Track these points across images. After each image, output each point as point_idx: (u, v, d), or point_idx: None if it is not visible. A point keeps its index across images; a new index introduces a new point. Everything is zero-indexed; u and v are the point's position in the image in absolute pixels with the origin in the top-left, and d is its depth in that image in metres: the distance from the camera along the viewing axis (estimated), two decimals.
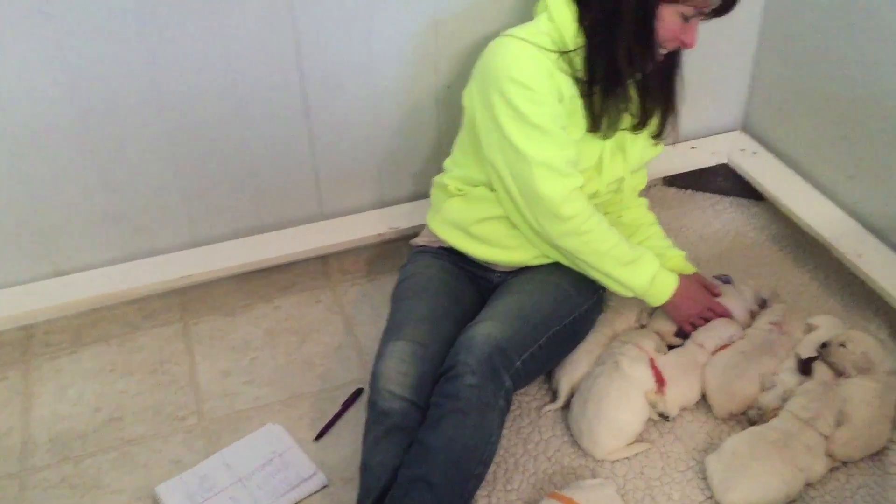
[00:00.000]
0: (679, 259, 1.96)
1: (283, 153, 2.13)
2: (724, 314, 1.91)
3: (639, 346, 1.82)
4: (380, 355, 1.71)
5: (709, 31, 2.28)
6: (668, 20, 1.63)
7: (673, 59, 1.77)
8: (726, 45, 2.35)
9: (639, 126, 1.79)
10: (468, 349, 1.63)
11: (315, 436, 1.86)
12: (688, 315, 1.88)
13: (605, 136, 1.76)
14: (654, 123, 1.80)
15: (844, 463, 1.72)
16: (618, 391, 1.73)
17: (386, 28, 2.00)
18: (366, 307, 2.20)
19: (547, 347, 1.75)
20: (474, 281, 1.91)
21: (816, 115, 2.23)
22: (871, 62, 2.01)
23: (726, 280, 1.98)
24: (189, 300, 2.23)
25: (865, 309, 2.08)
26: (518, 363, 1.67)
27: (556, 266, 1.86)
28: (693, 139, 2.49)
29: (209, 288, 2.24)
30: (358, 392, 1.95)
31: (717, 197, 2.48)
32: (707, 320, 1.90)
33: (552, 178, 1.68)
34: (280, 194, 2.20)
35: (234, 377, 2.02)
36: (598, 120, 1.73)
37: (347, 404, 1.93)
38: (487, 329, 1.67)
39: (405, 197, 2.29)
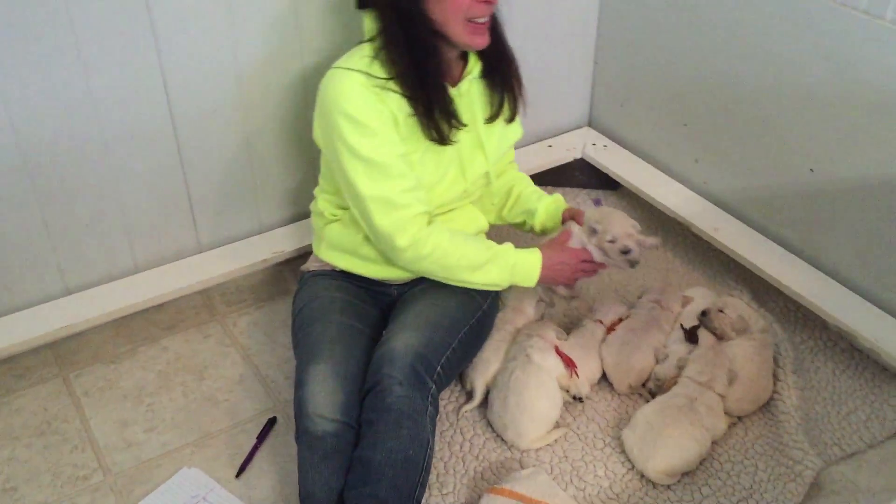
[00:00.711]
0: (553, 203, 2.02)
1: (155, 187, 2.04)
2: (596, 266, 1.89)
3: (542, 336, 1.91)
4: (301, 383, 1.68)
5: (550, 36, 2.44)
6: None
7: (499, 45, 1.82)
8: (567, 48, 2.50)
9: (490, 119, 1.84)
10: (391, 362, 1.65)
11: (236, 472, 1.80)
12: (566, 279, 1.88)
13: (453, 142, 1.78)
14: (505, 110, 1.87)
15: (740, 418, 1.88)
16: (535, 382, 1.80)
17: (254, 52, 1.97)
18: (259, 335, 2.15)
19: (460, 349, 1.80)
20: (374, 297, 1.92)
21: (657, 107, 2.42)
22: (701, 56, 2.22)
23: (597, 202, 1.95)
24: (63, 352, 2.08)
25: (727, 277, 2.28)
26: (438, 368, 1.71)
27: None
28: (547, 138, 2.63)
29: (84, 336, 2.11)
30: (272, 421, 1.91)
31: (577, 190, 2.63)
32: (588, 271, 1.88)
33: (384, 212, 1.70)
34: (154, 230, 2.11)
35: (134, 426, 1.91)
36: (436, 131, 1.73)
37: (263, 435, 1.88)
38: (405, 339, 1.69)
39: (285, 219, 2.26)
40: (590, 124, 2.70)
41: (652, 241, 1.86)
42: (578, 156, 2.58)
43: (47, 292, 2.04)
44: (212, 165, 2.09)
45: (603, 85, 2.59)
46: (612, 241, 1.81)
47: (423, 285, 1.89)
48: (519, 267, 1.82)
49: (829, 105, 1.95)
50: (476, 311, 1.86)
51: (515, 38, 2.35)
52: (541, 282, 1.84)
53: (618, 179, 2.50)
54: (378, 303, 1.91)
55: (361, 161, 1.68)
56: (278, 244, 2.21)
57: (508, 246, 1.82)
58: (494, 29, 1.78)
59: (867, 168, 1.92)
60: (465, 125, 1.78)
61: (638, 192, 2.43)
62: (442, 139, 1.74)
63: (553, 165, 2.55)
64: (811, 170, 2.04)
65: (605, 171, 2.52)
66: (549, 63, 2.51)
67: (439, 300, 1.82)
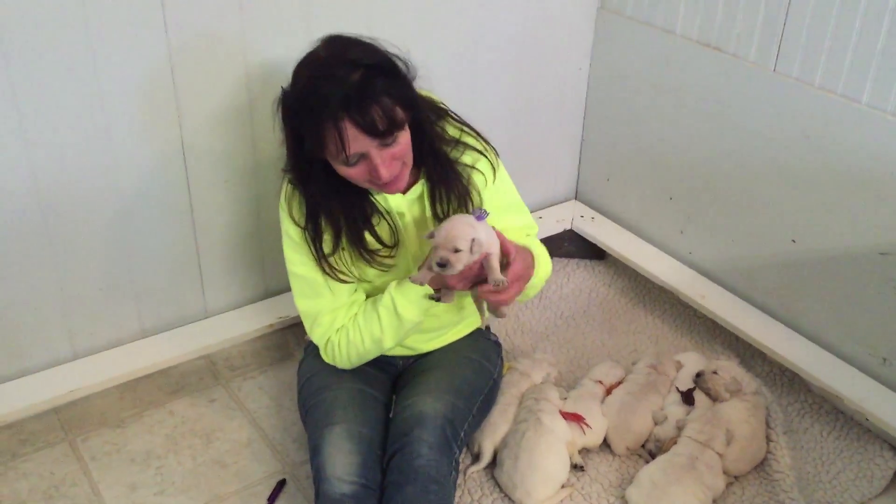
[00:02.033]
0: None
1: (167, 252, 2.10)
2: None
3: (550, 400, 1.98)
4: (316, 449, 1.72)
5: (539, 113, 2.58)
6: (347, 172, 1.59)
7: (432, 142, 1.68)
8: (556, 125, 2.64)
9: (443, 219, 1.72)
10: (421, 424, 1.70)
11: None
12: (456, 281, 1.66)
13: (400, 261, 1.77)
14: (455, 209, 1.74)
15: (736, 477, 1.96)
16: (545, 444, 1.87)
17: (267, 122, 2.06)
18: (264, 399, 2.18)
19: (477, 416, 1.87)
20: (381, 366, 1.94)
21: (643, 180, 2.56)
22: (685, 134, 2.36)
23: (480, 216, 1.65)
24: (69, 417, 2.09)
25: (714, 342, 2.38)
26: (461, 433, 1.77)
27: (461, 343, 1.98)
28: (537, 210, 2.74)
29: (88, 401, 2.11)
30: (281, 483, 1.93)
31: (565, 260, 2.74)
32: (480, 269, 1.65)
33: (310, 325, 1.80)
34: (163, 296, 2.15)
35: (144, 490, 1.92)
36: (371, 261, 1.73)
37: (273, 497, 1.90)
38: (432, 404, 1.75)
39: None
40: (577, 197, 2.82)
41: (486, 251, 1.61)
42: (568, 227, 2.69)
43: (55, 357, 2.06)
44: (223, 231, 2.15)
45: (590, 160, 2.73)
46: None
47: (430, 356, 1.96)
48: (401, 302, 1.70)
49: (808, 181, 2.09)
50: (488, 380, 1.93)
51: (505, 114, 2.51)
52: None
53: (606, 250, 2.61)
54: (384, 371, 1.96)
55: (291, 274, 1.78)
56: (283, 309, 2.26)
57: (389, 289, 1.72)
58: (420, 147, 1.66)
59: (845, 239, 2.05)
60: (387, 247, 1.73)
61: (626, 261, 2.54)
62: (381, 267, 1.74)
63: (543, 236, 2.65)
64: (793, 240, 2.17)
65: (593, 241, 2.64)
66: (539, 139, 2.64)
67: (457, 368, 1.89)
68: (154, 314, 2.16)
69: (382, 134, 1.51)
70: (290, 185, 1.72)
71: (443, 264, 1.57)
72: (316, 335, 1.80)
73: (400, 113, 1.54)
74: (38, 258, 1.92)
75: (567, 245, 2.73)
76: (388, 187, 1.62)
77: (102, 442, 2.03)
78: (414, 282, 1.68)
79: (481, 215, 1.63)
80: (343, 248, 1.71)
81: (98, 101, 1.83)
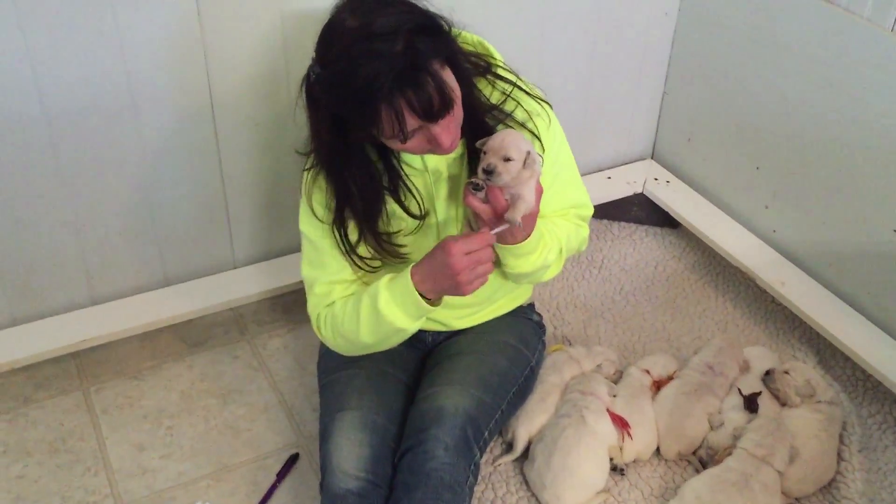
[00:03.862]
0: None
1: (192, 198, 1.95)
2: (481, 250, 1.43)
3: (598, 396, 1.78)
4: (326, 434, 1.57)
5: (617, 61, 2.30)
6: (403, 147, 1.40)
7: (472, 111, 1.46)
8: (635, 75, 2.36)
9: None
10: (439, 422, 1.53)
11: None
12: (451, 286, 1.44)
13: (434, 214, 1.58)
14: None
15: (798, 500, 1.73)
16: (586, 447, 1.68)
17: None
18: (288, 361, 2.05)
19: (507, 411, 1.69)
20: (408, 341, 1.67)
21: (728, 144, 2.27)
22: (781, 94, 2.06)
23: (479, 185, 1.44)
24: (87, 363, 2.00)
25: (790, 336, 2.12)
26: (486, 433, 1.60)
27: (498, 322, 1.78)
28: (606, 169, 2.48)
29: (109, 348, 2.02)
30: (293, 458, 1.81)
31: (633, 226, 2.49)
32: (478, 271, 1.43)
33: (307, 292, 1.61)
34: (189, 243, 2.02)
35: (151, 451, 1.82)
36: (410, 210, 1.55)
37: (283, 473, 1.77)
38: (455, 399, 1.57)
39: None
40: (653, 157, 2.55)
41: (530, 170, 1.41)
42: (639, 190, 2.43)
43: (73, 300, 1.96)
44: (252, 179, 1.99)
45: (670, 116, 2.44)
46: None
47: (462, 336, 1.76)
48: (398, 299, 1.48)
49: None
50: (525, 368, 1.73)
51: (579, 60, 2.24)
52: (432, 300, 1.48)
53: (678, 219, 2.34)
54: (412, 347, 1.77)
55: (304, 237, 1.60)
56: None
57: (382, 283, 1.50)
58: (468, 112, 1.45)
59: None
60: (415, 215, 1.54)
61: (699, 234, 2.28)
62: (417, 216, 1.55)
63: (611, 199, 2.40)
64: (895, 231, 1.87)
65: (665, 208, 2.37)
66: (615, 89, 2.37)
67: (488, 355, 1.69)
68: (179, 262, 2.03)
69: (441, 110, 1.32)
70: (311, 175, 1.53)
71: (490, 171, 1.39)
72: (309, 305, 1.61)
73: (451, 77, 1.35)
74: (51, 199, 1.80)
75: (636, 210, 2.48)
76: (447, 151, 1.42)
77: (116, 394, 1.94)
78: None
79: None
80: (367, 234, 1.53)
81: (118, 43, 1.67)
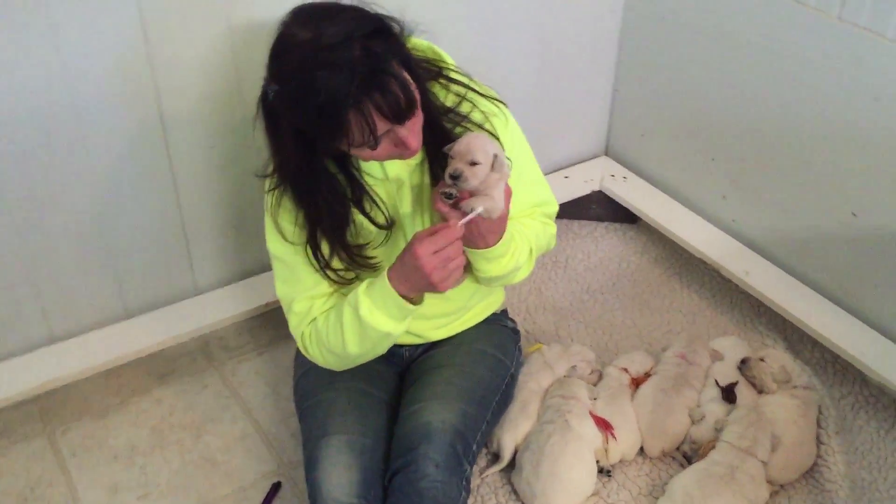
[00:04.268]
0: None
1: (148, 225, 1.89)
2: (451, 245, 1.40)
3: (579, 399, 1.78)
4: (312, 461, 1.54)
5: (567, 60, 2.30)
6: (371, 154, 1.38)
7: (429, 115, 1.44)
8: (585, 73, 2.36)
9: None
10: (427, 439, 1.50)
11: None
12: (427, 286, 1.42)
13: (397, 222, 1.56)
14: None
15: (782, 486, 1.75)
16: (573, 452, 1.67)
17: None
18: (260, 386, 2.00)
19: (492, 421, 1.68)
20: (385, 357, 1.67)
21: (683, 138, 2.29)
22: (732, 85, 2.08)
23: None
24: (49, 405, 1.93)
25: (757, 324, 2.15)
26: (474, 446, 1.58)
27: (474, 332, 1.76)
28: (562, 168, 2.49)
29: (72, 388, 1.94)
30: (276, 487, 1.76)
31: (593, 224, 2.50)
32: (448, 267, 1.40)
33: (286, 313, 1.59)
34: (147, 273, 1.95)
35: (126, 492, 1.76)
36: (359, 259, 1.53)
37: (267, 503, 1.73)
38: (440, 414, 1.55)
39: None
40: (607, 153, 2.56)
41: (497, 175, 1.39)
42: (597, 188, 2.44)
43: (31, 341, 1.88)
44: (210, 203, 1.94)
45: (622, 113, 2.45)
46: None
47: (439, 348, 1.74)
48: (377, 308, 1.46)
49: (876, 146, 1.82)
50: (505, 377, 1.72)
51: (529, 61, 2.24)
52: (413, 299, 1.45)
53: (639, 214, 2.36)
54: (389, 363, 1.74)
55: (273, 258, 1.57)
56: None
57: (359, 292, 1.47)
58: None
59: None
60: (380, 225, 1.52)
61: (661, 228, 2.29)
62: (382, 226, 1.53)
63: (570, 198, 2.41)
64: (854, 214, 1.91)
65: (625, 204, 2.38)
66: (567, 89, 2.37)
67: (468, 366, 1.67)
68: (139, 293, 1.97)
69: (408, 109, 1.31)
70: (275, 196, 1.49)
71: (456, 176, 1.36)
72: (291, 324, 1.59)
73: (409, 76, 1.34)
74: (0, 238, 1.72)
75: (595, 208, 2.48)
76: (414, 152, 1.40)
77: (83, 435, 1.87)
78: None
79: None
80: (339, 248, 1.50)
81: (59, 66, 1.61)
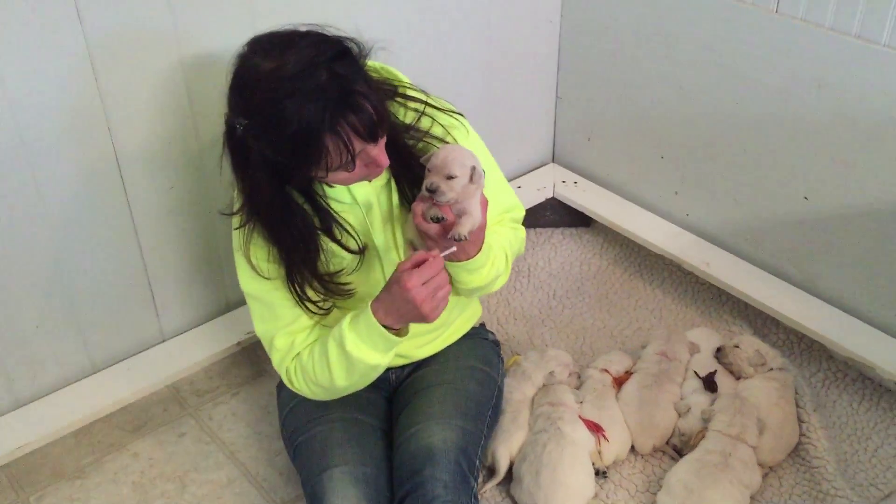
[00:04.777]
0: None
1: (109, 275, 1.83)
2: (436, 275, 1.40)
3: (567, 405, 1.79)
4: (317, 496, 1.51)
5: (509, 71, 2.33)
6: (345, 177, 1.38)
7: (392, 134, 1.43)
8: (527, 83, 2.39)
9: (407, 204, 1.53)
10: (431, 460, 1.49)
11: None
12: (416, 317, 1.42)
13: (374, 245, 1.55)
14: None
15: (771, 468, 1.79)
16: (570, 458, 1.68)
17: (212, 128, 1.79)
18: (240, 427, 1.94)
19: (487, 434, 1.67)
20: (371, 384, 1.61)
21: (629, 139, 2.34)
22: (675, 85, 2.14)
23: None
24: (19, 472, 1.82)
25: (722, 312, 2.21)
26: (477, 461, 1.57)
27: (458, 348, 1.76)
28: (514, 179, 2.51)
29: (39, 453, 1.85)
30: None
31: (549, 230, 2.52)
32: (439, 296, 1.41)
33: (267, 350, 1.58)
34: (111, 324, 1.89)
35: None
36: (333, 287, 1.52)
37: None
38: (441, 434, 1.54)
39: None
40: (553, 160, 2.59)
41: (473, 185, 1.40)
42: (550, 195, 2.47)
43: None
44: (173, 245, 1.89)
45: (567, 119, 2.49)
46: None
47: (426, 368, 1.73)
48: (364, 338, 1.45)
49: (822, 132, 1.89)
50: (494, 389, 1.72)
51: (473, 74, 2.25)
52: (398, 330, 1.45)
53: (595, 217, 2.40)
54: (377, 388, 1.70)
55: (249, 297, 1.56)
56: (249, 324, 1.98)
57: (344, 326, 1.46)
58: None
59: (865, 194, 1.87)
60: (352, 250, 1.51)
61: (618, 228, 2.33)
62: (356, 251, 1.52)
63: (526, 207, 2.39)
64: (805, 198, 1.98)
65: (580, 208, 2.42)
66: (511, 100, 2.39)
67: (458, 382, 1.66)
68: (103, 345, 1.90)
69: (380, 127, 1.33)
70: (244, 233, 1.46)
71: (433, 190, 1.38)
72: (274, 362, 1.57)
73: (374, 93, 1.34)
74: None
75: (549, 214, 2.51)
76: (381, 171, 1.41)
77: (60, 499, 1.78)
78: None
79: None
80: (311, 278, 1.49)
81: (9, 112, 1.54)
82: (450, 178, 1.38)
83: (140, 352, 1.96)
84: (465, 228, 1.39)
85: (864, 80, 1.78)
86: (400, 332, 1.45)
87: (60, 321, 1.80)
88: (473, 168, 1.39)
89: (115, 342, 1.91)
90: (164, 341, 1.99)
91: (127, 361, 1.94)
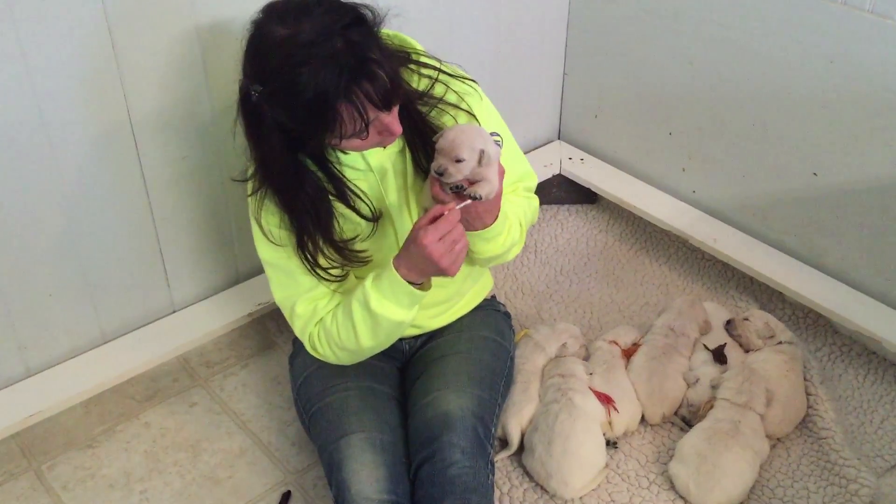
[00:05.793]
0: None
1: (122, 244, 1.82)
2: (451, 229, 1.40)
3: (578, 376, 1.80)
4: (335, 463, 1.51)
5: (517, 48, 2.33)
6: (359, 144, 1.39)
7: (405, 101, 1.44)
8: (534, 60, 2.39)
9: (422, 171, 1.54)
10: (449, 428, 1.50)
11: None
12: (436, 271, 1.43)
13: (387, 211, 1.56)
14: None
15: (779, 439, 1.81)
16: (582, 428, 1.69)
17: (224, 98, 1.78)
18: (251, 398, 1.95)
19: (501, 403, 1.68)
20: (385, 353, 1.65)
21: (636, 115, 2.34)
22: (684, 61, 2.14)
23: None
24: (30, 440, 1.82)
25: (728, 288, 2.22)
26: (492, 429, 1.59)
27: (470, 319, 1.77)
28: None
29: (51, 420, 1.85)
30: (286, 496, 1.72)
31: (555, 207, 2.53)
32: (456, 250, 1.41)
33: (289, 317, 1.59)
34: (123, 294, 1.88)
35: None
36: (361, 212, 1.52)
37: None
38: (457, 401, 1.55)
39: None
40: (559, 137, 2.60)
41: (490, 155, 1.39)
42: (557, 171, 2.48)
43: (7, 375, 1.79)
44: (186, 215, 1.89)
45: (574, 96, 2.50)
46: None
47: (440, 338, 1.74)
48: (389, 296, 1.46)
49: (832, 108, 1.90)
50: (507, 360, 1.73)
51: (480, 50, 2.25)
52: (422, 285, 1.47)
53: (603, 194, 2.41)
54: (391, 358, 1.73)
55: (265, 264, 1.56)
56: (261, 295, 2.02)
57: (368, 285, 1.47)
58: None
59: (874, 170, 1.89)
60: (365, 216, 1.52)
61: (625, 205, 2.34)
62: (370, 218, 1.53)
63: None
64: (814, 174, 2.00)
65: (587, 185, 2.43)
66: (519, 76, 2.40)
67: (473, 353, 1.67)
68: (114, 316, 1.90)
69: (395, 95, 1.33)
70: (257, 199, 1.47)
71: (440, 173, 1.38)
72: (297, 329, 1.57)
73: (388, 61, 1.34)
74: None
75: (556, 191, 2.52)
76: (395, 138, 1.41)
77: (73, 467, 1.78)
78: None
79: (497, 143, 1.46)
80: (327, 245, 1.49)
81: (27, 78, 1.53)
82: (458, 161, 1.37)
83: (151, 322, 1.96)
84: (482, 190, 1.39)
85: (877, 56, 1.79)
86: (423, 286, 1.47)
87: (73, 290, 1.80)
88: (482, 151, 1.38)
89: (127, 312, 1.91)
90: (174, 312, 1.98)
91: (138, 332, 1.93)
